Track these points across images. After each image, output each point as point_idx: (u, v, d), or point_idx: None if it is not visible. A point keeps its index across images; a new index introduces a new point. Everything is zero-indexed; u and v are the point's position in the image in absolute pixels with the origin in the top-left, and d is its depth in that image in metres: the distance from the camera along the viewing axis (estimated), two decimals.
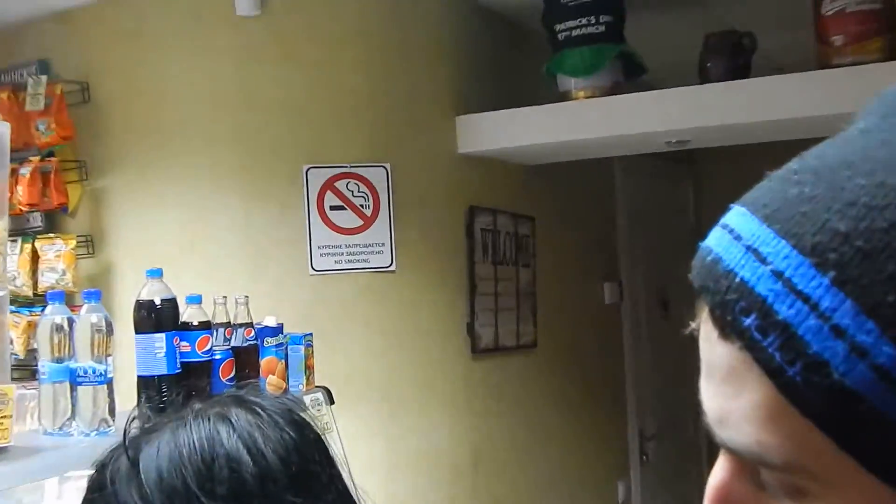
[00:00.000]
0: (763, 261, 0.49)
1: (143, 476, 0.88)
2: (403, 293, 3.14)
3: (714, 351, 0.51)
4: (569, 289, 3.97)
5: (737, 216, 0.52)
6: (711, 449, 0.54)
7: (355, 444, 2.45)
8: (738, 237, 0.51)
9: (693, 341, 0.54)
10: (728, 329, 0.50)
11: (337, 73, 3.04)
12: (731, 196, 0.55)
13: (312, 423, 0.95)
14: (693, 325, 0.54)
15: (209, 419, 0.91)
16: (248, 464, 0.88)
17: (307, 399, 2.21)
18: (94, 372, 1.82)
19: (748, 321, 0.48)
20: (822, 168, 0.50)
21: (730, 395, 0.50)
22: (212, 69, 3.00)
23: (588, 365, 4.08)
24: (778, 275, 0.48)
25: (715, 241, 0.53)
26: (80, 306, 1.87)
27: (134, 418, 0.94)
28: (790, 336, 0.47)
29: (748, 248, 0.50)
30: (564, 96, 3.22)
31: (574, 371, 3.96)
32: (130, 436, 0.92)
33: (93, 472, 0.92)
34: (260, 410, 0.93)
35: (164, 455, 0.88)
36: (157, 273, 1.98)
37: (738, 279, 0.49)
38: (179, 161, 3.01)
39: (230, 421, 0.91)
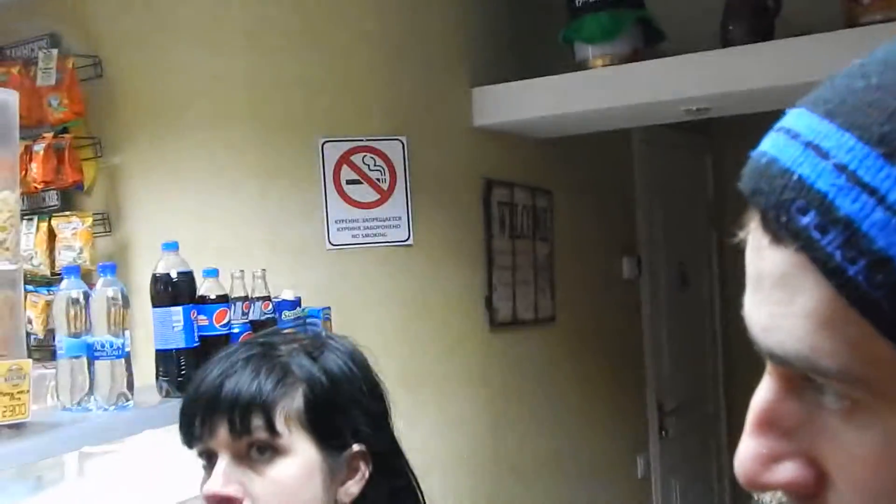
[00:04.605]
0: (824, 156, 0.45)
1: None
2: (421, 267, 3.15)
3: (764, 258, 0.48)
4: (587, 263, 3.97)
5: (794, 117, 0.48)
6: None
7: None
8: (796, 135, 0.47)
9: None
10: (782, 232, 0.46)
11: (351, 45, 3.03)
12: None
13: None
14: (741, 235, 0.50)
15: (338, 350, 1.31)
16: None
17: None
18: (111, 346, 1.81)
19: (806, 220, 0.45)
20: (892, 58, 0.46)
21: (782, 301, 0.47)
22: (224, 42, 2.98)
23: (607, 339, 4.09)
24: (841, 168, 0.44)
25: (769, 143, 0.49)
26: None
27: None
28: (853, 232, 0.43)
29: (807, 144, 0.46)
30: (582, 65, 3.18)
31: (593, 345, 3.97)
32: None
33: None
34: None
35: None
36: (173, 246, 1.96)
37: (795, 177, 0.46)
38: (193, 137, 2.99)
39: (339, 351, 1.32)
